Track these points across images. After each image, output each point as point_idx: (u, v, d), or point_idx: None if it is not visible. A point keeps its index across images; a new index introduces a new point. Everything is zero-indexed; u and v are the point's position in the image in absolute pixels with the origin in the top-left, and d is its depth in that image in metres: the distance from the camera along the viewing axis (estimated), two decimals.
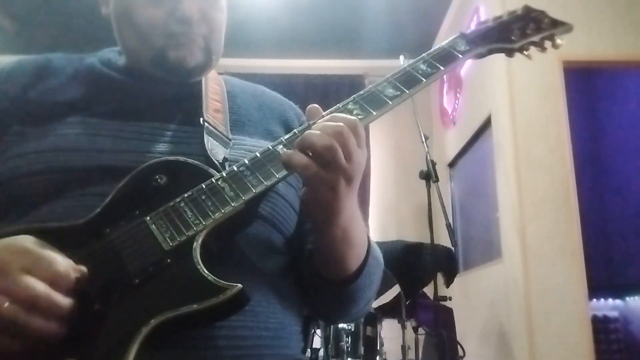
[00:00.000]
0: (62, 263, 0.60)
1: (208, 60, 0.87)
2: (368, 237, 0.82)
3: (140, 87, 0.85)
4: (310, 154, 0.66)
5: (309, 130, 0.68)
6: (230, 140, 0.82)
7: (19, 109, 0.81)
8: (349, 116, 0.70)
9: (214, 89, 0.89)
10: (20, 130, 0.79)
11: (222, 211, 0.67)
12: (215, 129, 0.82)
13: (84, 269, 0.62)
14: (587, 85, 5.14)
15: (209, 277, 0.63)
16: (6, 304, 0.55)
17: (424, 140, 2.85)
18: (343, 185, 0.67)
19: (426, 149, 2.82)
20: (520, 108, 3.24)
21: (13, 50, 4.29)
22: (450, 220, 3.26)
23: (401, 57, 2.89)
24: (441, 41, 0.84)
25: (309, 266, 0.82)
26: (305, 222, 0.88)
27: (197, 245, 0.65)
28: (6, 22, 4.31)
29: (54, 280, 0.58)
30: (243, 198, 0.68)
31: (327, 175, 0.66)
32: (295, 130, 0.74)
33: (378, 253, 0.86)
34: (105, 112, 0.81)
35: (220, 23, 0.88)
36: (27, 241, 0.61)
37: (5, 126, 0.80)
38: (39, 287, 0.57)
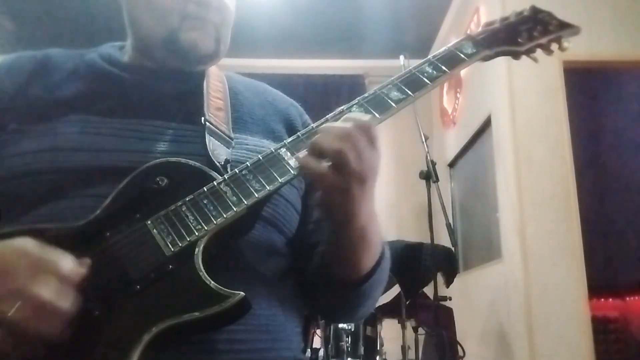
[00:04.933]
0: (67, 264, 0.59)
1: (217, 50, 0.87)
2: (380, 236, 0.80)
3: (141, 83, 0.84)
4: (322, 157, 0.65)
5: (318, 135, 0.67)
6: (232, 139, 0.81)
7: (17, 106, 0.79)
8: (361, 116, 0.69)
9: (215, 86, 0.88)
10: (18, 129, 0.77)
11: (224, 216, 0.66)
12: (217, 128, 0.80)
13: (86, 269, 0.61)
14: (587, 85, 5.14)
15: (211, 285, 0.62)
16: (16, 307, 0.54)
17: (424, 140, 2.85)
18: (356, 188, 0.66)
19: (426, 149, 2.82)
20: (520, 108, 3.24)
21: (13, 50, 4.28)
22: (450, 220, 3.26)
23: (401, 57, 2.89)
24: (441, 41, 0.84)
25: (318, 267, 0.81)
26: (309, 222, 0.87)
27: (199, 251, 0.64)
28: (6, 22, 4.30)
29: (62, 279, 0.58)
30: (246, 203, 0.66)
31: (339, 179, 0.65)
32: (299, 133, 0.73)
33: (388, 252, 0.85)
34: (105, 110, 0.79)
35: (232, 15, 0.88)
36: (27, 243, 0.60)
37: (3, 124, 0.78)
38: (45, 292, 0.56)
